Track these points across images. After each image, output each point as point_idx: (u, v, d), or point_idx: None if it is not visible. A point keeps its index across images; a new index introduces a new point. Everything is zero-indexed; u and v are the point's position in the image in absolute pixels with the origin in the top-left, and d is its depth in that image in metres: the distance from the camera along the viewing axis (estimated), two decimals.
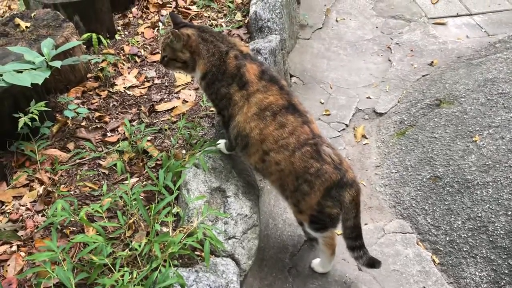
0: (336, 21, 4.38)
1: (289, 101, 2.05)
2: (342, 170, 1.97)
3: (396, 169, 2.86)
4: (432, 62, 3.72)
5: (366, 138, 3.17)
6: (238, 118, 2.06)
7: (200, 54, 2.09)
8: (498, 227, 2.29)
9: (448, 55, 3.79)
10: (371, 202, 2.73)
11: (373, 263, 2.13)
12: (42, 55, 2.44)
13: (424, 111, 3.12)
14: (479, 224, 2.35)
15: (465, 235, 2.36)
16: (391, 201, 2.71)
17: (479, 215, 2.38)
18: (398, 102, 3.39)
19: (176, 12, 3.70)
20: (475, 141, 2.68)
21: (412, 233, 2.53)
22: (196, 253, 1.95)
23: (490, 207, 2.37)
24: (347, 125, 3.26)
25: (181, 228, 1.96)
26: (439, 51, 3.85)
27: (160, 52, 2.16)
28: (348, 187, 1.97)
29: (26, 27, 2.79)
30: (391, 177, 2.83)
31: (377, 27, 4.27)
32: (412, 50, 3.90)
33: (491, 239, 2.28)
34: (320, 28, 4.26)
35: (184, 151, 2.46)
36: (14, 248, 1.98)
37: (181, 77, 3.04)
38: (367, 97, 3.48)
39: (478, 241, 2.31)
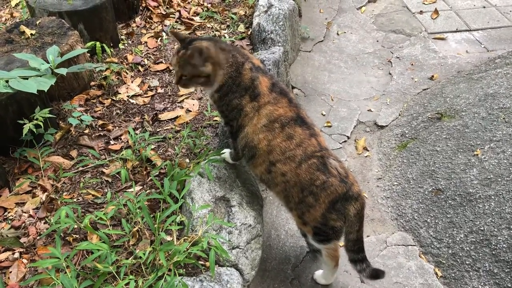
0: (337, 34, 4.42)
1: (298, 113, 2.06)
2: (348, 183, 1.97)
3: (398, 182, 2.87)
4: (433, 76, 3.75)
5: (368, 151, 3.18)
6: (248, 129, 2.06)
7: (220, 65, 2.02)
8: (500, 240, 2.29)
9: (448, 70, 3.82)
10: (373, 214, 2.73)
11: (376, 274, 2.12)
12: (47, 62, 2.44)
13: (425, 125, 3.14)
14: (481, 238, 2.36)
15: (468, 248, 2.36)
16: (393, 214, 2.72)
17: (482, 228, 2.38)
18: (399, 115, 3.42)
19: (179, 22, 3.72)
20: (477, 154, 2.70)
21: (414, 245, 2.53)
22: (200, 262, 1.94)
23: (493, 220, 2.38)
24: (348, 137, 3.28)
25: (185, 237, 1.95)
26: (439, 66, 3.89)
27: (175, 73, 2.10)
28: (353, 201, 1.97)
29: (31, 34, 2.80)
30: (393, 189, 2.84)
31: (377, 41, 4.31)
32: (412, 64, 3.93)
33: (493, 252, 2.28)
34: (322, 41, 4.30)
35: (187, 160, 2.46)
36: (17, 255, 1.97)
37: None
38: (368, 110, 3.50)
39: (480, 254, 2.31)
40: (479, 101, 3.08)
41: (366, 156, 3.14)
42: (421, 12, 4.66)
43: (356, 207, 1.98)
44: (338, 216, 1.99)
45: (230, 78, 2.04)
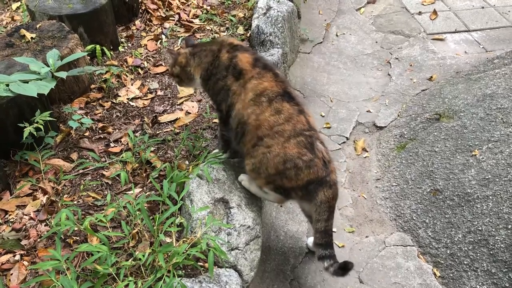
0: (336, 35, 4.44)
1: (285, 89, 2.08)
2: (328, 169, 2.00)
3: (396, 182, 2.88)
4: (431, 77, 3.77)
5: (367, 151, 3.19)
6: (237, 106, 2.11)
7: (189, 64, 2.30)
8: (498, 240, 2.30)
9: (447, 70, 3.84)
10: (372, 215, 2.74)
11: (344, 266, 2.03)
12: (48, 65, 2.46)
13: (424, 125, 3.16)
14: (479, 238, 2.37)
15: (466, 249, 2.38)
16: (392, 214, 2.73)
17: (480, 228, 2.39)
18: (398, 116, 3.43)
19: (179, 25, 3.74)
20: (475, 155, 2.71)
21: (413, 246, 2.54)
22: (199, 263, 1.96)
23: (490, 220, 2.39)
24: (347, 138, 3.29)
25: (184, 239, 1.97)
26: (438, 66, 3.90)
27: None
28: (326, 187, 1.99)
29: (32, 38, 2.82)
30: (392, 190, 2.85)
31: (376, 42, 4.33)
32: (411, 65, 3.95)
33: (491, 252, 2.29)
34: (321, 43, 4.32)
35: (187, 162, 2.48)
36: (17, 257, 1.98)
37: (184, 89, 3.07)
38: (367, 111, 3.51)
39: (478, 254, 2.33)
40: (477, 101, 3.09)
41: (365, 157, 3.16)
42: (420, 13, 4.68)
43: (327, 194, 1.99)
44: (303, 194, 2.03)
45: (208, 65, 2.22)
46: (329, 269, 2.06)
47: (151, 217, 2.08)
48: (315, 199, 2.00)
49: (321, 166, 1.98)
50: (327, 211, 2.01)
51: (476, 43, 4.19)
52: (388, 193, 2.85)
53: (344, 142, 3.26)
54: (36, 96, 2.20)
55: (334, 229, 2.63)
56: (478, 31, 4.35)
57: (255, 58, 2.16)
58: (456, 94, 3.32)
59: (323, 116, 3.46)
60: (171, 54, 2.41)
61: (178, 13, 3.87)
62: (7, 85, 2.20)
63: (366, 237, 2.61)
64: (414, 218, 2.64)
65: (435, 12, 4.62)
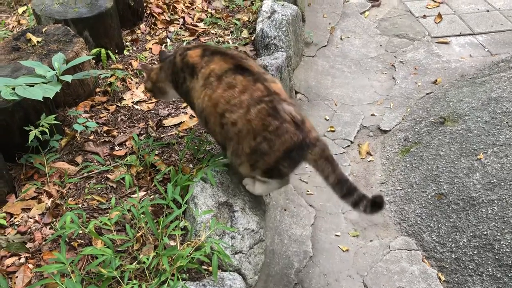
0: (341, 39, 4.44)
1: (236, 64, 2.06)
2: (305, 131, 1.94)
3: (401, 186, 2.87)
4: (436, 80, 3.76)
5: (371, 155, 3.19)
6: (196, 100, 2.12)
7: (157, 78, 2.38)
8: (503, 245, 2.29)
9: (451, 74, 3.83)
10: (376, 219, 2.74)
11: (374, 202, 1.96)
12: (53, 69, 2.48)
13: (428, 129, 3.15)
14: (484, 242, 2.36)
15: (471, 253, 2.36)
16: (396, 218, 2.72)
17: (485, 233, 2.38)
18: (403, 119, 3.42)
19: (183, 29, 3.76)
20: (480, 159, 2.70)
21: (417, 250, 2.53)
22: (203, 267, 1.96)
23: (496, 225, 2.38)
24: (351, 142, 3.29)
25: (188, 242, 1.97)
26: (443, 70, 3.89)
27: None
28: (310, 149, 1.94)
29: (38, 41, 2.84)
30: (396, 194, 2.85)
31: (381, 45, 4.33)
32: (416, 68, 3.94)
33: (497, 257, 2.28)
34: (325, 46, 4.32)
35: (191, 166, 2.48)
36: (23, 260, 1.99)
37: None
38: (372, 114, 3.51)
39: (484, 259, 2.31)
40: (482, 105, 3.08)
41: (369, 161, 3.15)
42: (424, 16, 4.67)
43: (314, 153, 1.95)
44: (290, 164, 1.99)
45: (171, 76, 2.29)
46: (366, 211, 1.98)
47: (155, 221, 2.08)
48: (307, 161, 1.97)
49: (293, 130, 1.91)
50: (327, 164, 1.96)
51: (481, 46, 4.18)
52: (392, 197, 2.84)
53: (348, 146, 3.26)
54: (42, 100, 2.21)
55: (338, 233, 2.64)
56: (483, 34, 4.34)
57: (204, 49, 2.17)
58: (461, 97, 3.31)
59: (327, 120, 3.46)
60: (145, 69, 2.52)
61: (183, 17, 3.88)
62: (13, 89, 2.22)
63: (371, 241, 2.61)
64: (419, 222, 2.63)
65: (439, 15, 4.61)
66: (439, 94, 3.54)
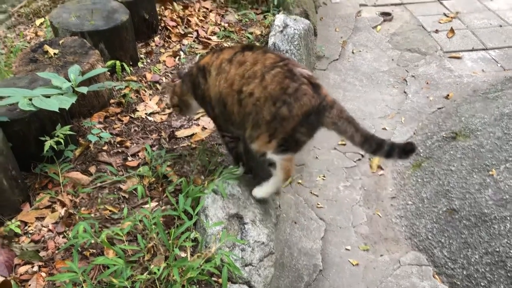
0: (352, 53, 4.46)
1: (242, 47, 2.13)
2: (322, 94, 1.94)
3: (412, 201, 2.86)
4: (448, 95, 3.76)
5: (382, 169, 3.18)
6: (213, 92, 2.17)
7: (181, 91, 2.45)
8: None
9: (463, 89, 3.82)
10: (386, 233, 2.73)
11: (404, 149, 1.96)
12: (69, 80, 2.53)
13: (440, 144, 3.14)
14: (497, 259, 2.34)
15: (483, 270, 2.34)
16: (407, 233, 2.71)
17: (497, 249, 2.36)
18: (414, 134, 3.42)
19: (197, 42, 3.81)
20: (492, 175, 2.69)
21: (428, 265, 2.51)
22: (213, 278, 1.97)
23: (508, 242, 2.36)
24: (362, 156, 3.29)
25: (199, 253, 1.98)
26: (455, 85, 3.89)
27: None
28: (328, 111, 1.94)
29: (54, 53, 2.90)
30: (407, 208, 2.84)
31: (392, 60, 4.34)
32: (427, 83, 3.94)
33: (509, 274, 2.26)
34: (337, 60, 4.34)
35: (202, 177, 2.51)
36: (36, 268, 2.02)
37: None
38: (383, 128, 3.51)
39: (496, 276, 2.29)
40: (495, 120, 3.07)
41: (380, 175, 3.15)
42: (436, 31, 4.68)
43: (332, 116, 1.94)
44: (307, 130, 1.99)
45: (192, 88, 2.35)
46: (401, 157, 2.00)
47: (166, 231, 2.10)
48: (326, 126, 1.97)
49: (311, 92, 1.91)
50: (349, 124, 1.96)
51: (493, 61, 4.17)
52: (403, 211, 2.83)
53: (359, 159, 3.26)
54: (58, 111, 2.26)
55: (348, 247, 2.63)
56: (495, 50, 4.33)
57: (214, 50, 2.26)
58: (473, 112, 3.30)
59: None
60: (170, 86, 2.55)
61: (197, 30, 3.94)
62: (30, 100, 2.27)
63: (381, 255, 2.59)
64: (430, 237, 2.62)
65: (452, 30, 4.62)
66: (451, 109, 3.54)
